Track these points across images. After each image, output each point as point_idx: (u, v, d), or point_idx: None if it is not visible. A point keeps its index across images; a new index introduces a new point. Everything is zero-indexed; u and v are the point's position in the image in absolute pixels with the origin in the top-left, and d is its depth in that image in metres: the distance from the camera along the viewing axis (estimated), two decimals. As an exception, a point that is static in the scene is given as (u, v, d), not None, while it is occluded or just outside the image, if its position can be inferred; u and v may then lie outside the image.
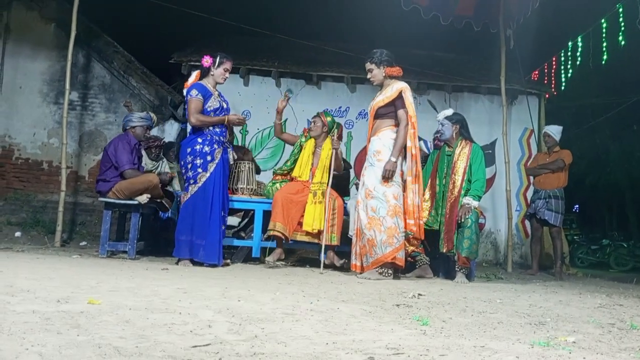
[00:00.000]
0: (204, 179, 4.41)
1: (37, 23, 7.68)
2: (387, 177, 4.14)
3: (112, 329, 1.74)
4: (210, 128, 4.50)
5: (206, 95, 4.50)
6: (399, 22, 7.51)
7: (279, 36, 8.36)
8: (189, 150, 4.46)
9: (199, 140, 4.46)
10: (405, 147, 4.25)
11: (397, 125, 4.25)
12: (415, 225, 4.19)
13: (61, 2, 7.47)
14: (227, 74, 4.67)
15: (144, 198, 4.93)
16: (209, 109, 4.50)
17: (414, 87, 7.93)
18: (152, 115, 5.44)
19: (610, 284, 5.57)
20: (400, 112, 4.22)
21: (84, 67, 7.74)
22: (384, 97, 4.30)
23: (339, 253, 4.89)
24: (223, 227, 4.53)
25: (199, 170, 4.42)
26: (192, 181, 4.44)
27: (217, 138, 4.49)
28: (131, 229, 4.93)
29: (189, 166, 4.46)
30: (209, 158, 4.44)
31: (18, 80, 7.61)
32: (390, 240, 4.09)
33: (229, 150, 4.64)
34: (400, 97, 4.23)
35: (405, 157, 4.30)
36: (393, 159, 4.15)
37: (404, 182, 4.28)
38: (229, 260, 4.80)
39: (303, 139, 5.19)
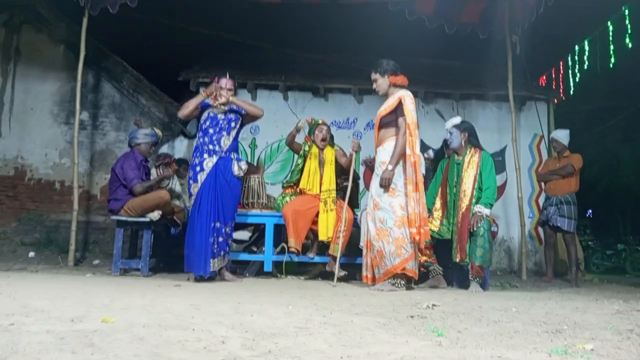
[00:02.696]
0: (196, 190, 4.44)
1: (47, 45, 7.80)
2: (384, 185, 4.12)
3: (126, 347, 1.74)
4: (200, 139, 4.54)
5: (204, 105, 4.58)
6: (405, 32, 7.52)
7: (286, 50, 8.42)
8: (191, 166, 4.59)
9: (194, 154, 4.55)
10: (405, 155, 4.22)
11: None
12: (418, 233, 4.08)
13: (70, 24, 7.58)
14: (221, 91, 4.55)
15: (155, 215, 4.95)
16: (201, 121, 4.60)
17: (421, 96, 7.95)
18: (157, 131, 5.46)
19: (627, 289, 5.49)
20: (400, 121, 4.20)
21: (93, 87, 7.83)
22: (386, 107, 4.31)
23: (346, 265, 4.88)
24: (220, 239, 4.41)
25: (191, 182, 4.49)
26: (189, 195, 4.53)
27: (206, 148, 4.49)
28: (143, 246, 4.94)
29: (188, 181, 4.58)
30: (198, 169, 4.46)
31: (29, 102, 7.71)
32: (399, 251, 4.06)
33: (233, 161, 4.53)
34: (400, 105, 4.22)
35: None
36: (390, 168, 4.13)
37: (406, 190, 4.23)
38: (236, 277, 4.79)
39: (306, 149, 5.21)
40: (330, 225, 4.84)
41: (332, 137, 5.35)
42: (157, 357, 1.62)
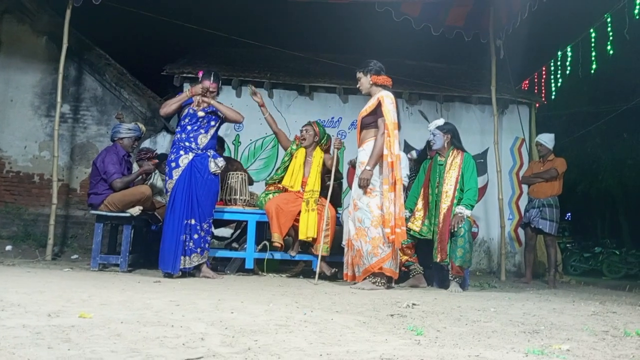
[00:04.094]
0: (171, 186, 4.41)
1: (29, 36, 7.68)
2: (362, 185, 4.15)
3: (104, 343, 1.72)
4: (177, 135, 4.52)
5: (185, 102, 4.56)
6: (391, 33, 7.58)
7: (271, 47, 8.39)
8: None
9: (171, 150, 4.53)
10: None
11: None
12: (392, 233, 4.08)
13: (53, 15, 7.48)
14: (203, 98, 4.50)
15: (136, 210, 4.90)
16: (180, 117, 4.57)
17: (405, 97, 7.98)
18: (141, 126, 5.40)
19: (603, 291, 5.58)
20: (379, 121, 4.23)
21: (75, 80, 7.73)
22: (366, 107, 4.33)
23: (330, 263, 4.89)
24: (196, 236, 4.36)
25: (167, 178, 4.47)
26: (165, 191, 4.52)
27: (182, 144, 4.47)
28: (123, 241, 4.89)
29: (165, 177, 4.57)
30: (173, 165, 4.43)
31: (9, 93, 7.58)
32: (375, 251, 4.08)
33: (209, 159, 4.49)
34: (380, 106, 4.24)
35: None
36: (368, 168, 4.15)
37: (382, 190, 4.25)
38: (217, 274, 4.76)
39: (294, 147, 5.23)
40: (310, 225, 4.83)
41: (327, 138, 5.30)
42: (135, 353, 1.61)
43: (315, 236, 4.81)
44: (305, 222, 4.85)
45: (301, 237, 4.86)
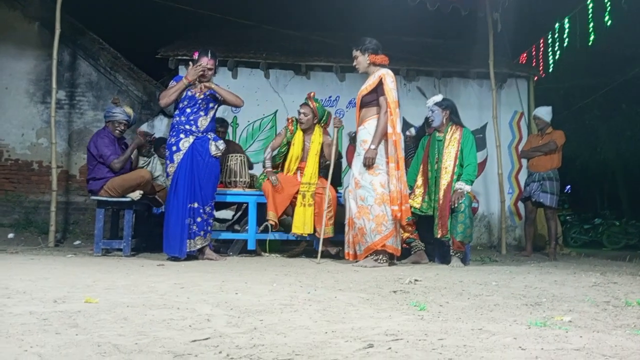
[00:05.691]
0: (172, 170, 4.40)
1: (21, 22, 7.59)
2: (367, 164, 4.14)
3: (111, 327, 1.74)
4: (176, 118, 4.47)
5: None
6: (387, 9, 7.48)
7: (267, 27, 8.31)
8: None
9: (171, 133, 4.50)
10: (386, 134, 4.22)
11: None
12: (400, 211, 4.12)
13: (44, 0, 7.38)
14: (204, 71, 4.44)
15: (136, 194, 4.89)
16: (179, 99, 4.50)
17: (403, 74, 7.93)
18: (128, 110, 5.26)
19: (603, 262, 5.62)
20: (381, 99, 4.21)
21: (70, 65, 7.67)
22: (366, 86, 4.30)
23: (333, 241, 4.91)
24: (199, 219, 4.38)
25: (168, 162, 4.45)
26: (167, 175, 4.50)
27: (182, 127, 4.43)
28: (125, 226, 4.91)
29: (165, 161, 4.55)
30: (174, 149, 4.41)
31: (4, 80, 7.52)
32: (379, 228, 4.10)
33: (210, 141, 4.48)
34: (381, 83, 4.22)
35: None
36: (373, 147, 4.15)
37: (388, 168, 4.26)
38: (220, 255, 4.78)
39: (289, 134, 5.15)
40: (307, 221, 4.81)
41: (327, 116, 5.18)
42: (142, 336, 1.62)
43: (311, 232, 4.82)
44: (301, 218, 4.82)
45: (296, 231, 4.85)
